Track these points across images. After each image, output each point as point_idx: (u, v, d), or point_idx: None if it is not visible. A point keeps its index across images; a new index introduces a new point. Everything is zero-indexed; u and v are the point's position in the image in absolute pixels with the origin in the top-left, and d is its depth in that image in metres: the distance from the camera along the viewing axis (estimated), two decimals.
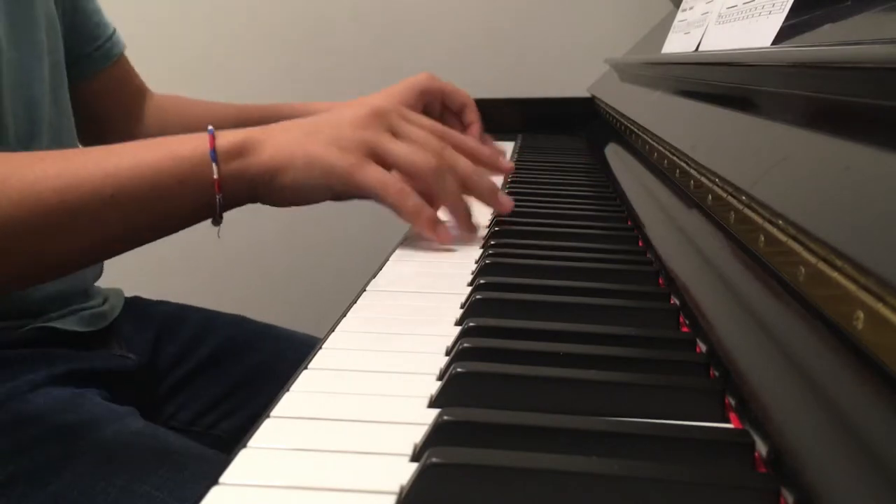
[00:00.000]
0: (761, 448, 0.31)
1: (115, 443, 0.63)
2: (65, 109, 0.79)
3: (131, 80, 0.95)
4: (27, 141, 0.71)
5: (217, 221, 0.60)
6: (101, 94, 0.90)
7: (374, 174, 0.59)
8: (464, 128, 1.01)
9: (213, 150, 0.57)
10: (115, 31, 0.91)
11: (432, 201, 0.64)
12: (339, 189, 0.60)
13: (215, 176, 0.57)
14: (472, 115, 0.99)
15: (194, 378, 0.86)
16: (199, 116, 0.96)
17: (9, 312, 0.71)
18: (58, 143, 0.77)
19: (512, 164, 0.68)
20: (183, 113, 0.97)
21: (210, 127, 0.59)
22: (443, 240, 0.63)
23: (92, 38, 0.88)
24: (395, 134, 0.63)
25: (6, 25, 0.70)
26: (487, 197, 0.66)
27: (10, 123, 0.69)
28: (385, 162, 0.61)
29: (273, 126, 0.61)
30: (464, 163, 0.65)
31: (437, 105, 0.98)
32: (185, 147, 0.57)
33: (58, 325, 0.73)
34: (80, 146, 0.83)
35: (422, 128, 0.65)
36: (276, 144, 0.59)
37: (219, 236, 0.64)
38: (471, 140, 0.68)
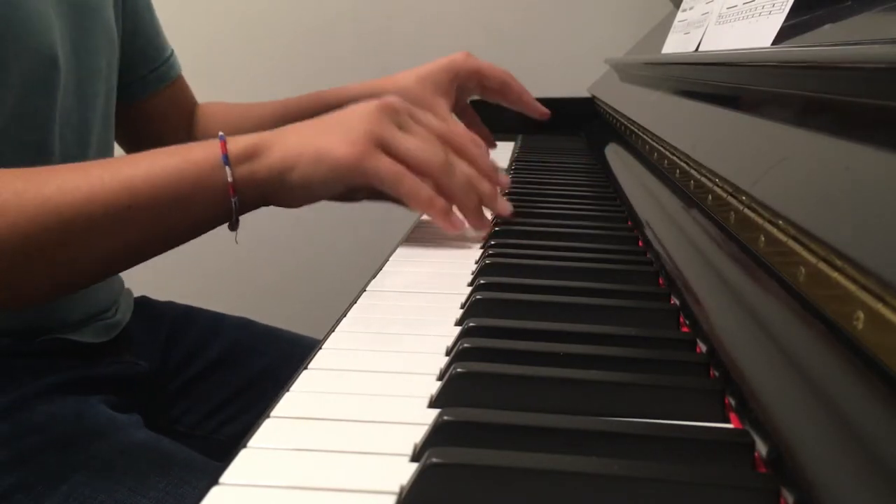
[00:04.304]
0: (761, 448, 0.31)
1: (117, 455, 0.63)
2: (110, 132, 0.79)
3: (185, 98, 0.95)
4: (73, 161, 0.71)
5: (234, 226, 0.61)
6: (153, 113, 0.90)
7: (384, 163, 0.60)
8: (509, 102, 1.00)
9: (226, 154, 0.58)
10: (172, 53, 0.91)
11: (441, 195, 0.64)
12: (349, 180, 0.60)
13: (229, 179, 0.58)
14: (514, 93, 0.98)
15: (200, 382, 0.86)
16: (240, 118, 0.96)
17: (28, 328, 0.70)
18: None
19: (508, 179, 0.69)
20: (225, 117, 0.97)
21: (221, 133, 0.59)
22: (455, 228, 0.63)
23: (149, 61, 0.87)
24: (403, 130, 0.63)
25: (68, 50, 0.69)
26: (488, 199, 0.67)
27: (58, 147, 0.69)
28: (393, 154, 0.61)
29: (284, 128, 0.61)
30: (465, 166, 0.65)
31: (473, 85, 0.97)
32: (198, 153, 0.58)
33: (73, 336, 0.73)
34: None
35: (430, 128, 0.65)
36: (285, 144, 0.60)
37: (237, 241, 0.64)
38: (474, 148, 0.68)
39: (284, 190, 0.60)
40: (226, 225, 0.61)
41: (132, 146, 0.93)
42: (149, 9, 0.88)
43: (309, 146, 0.59)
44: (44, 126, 0.67)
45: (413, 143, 0.62)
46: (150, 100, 0.89)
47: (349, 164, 0.59)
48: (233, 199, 0.58)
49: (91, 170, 0.57)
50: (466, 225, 0.64)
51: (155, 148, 0.92)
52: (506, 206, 0.68)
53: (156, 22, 0.89)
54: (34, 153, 0.67)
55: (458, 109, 1.02)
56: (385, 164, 0.59)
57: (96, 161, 0.59)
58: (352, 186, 0.61)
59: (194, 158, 0.58)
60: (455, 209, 0.64)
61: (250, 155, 0.59)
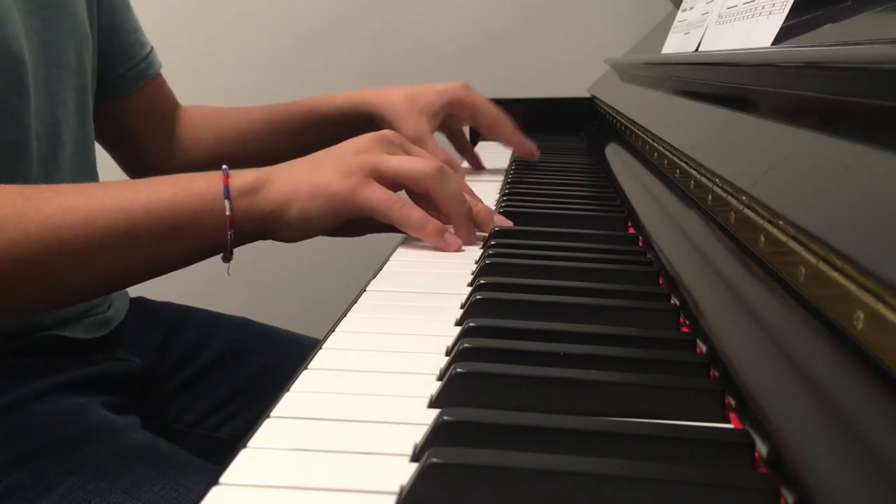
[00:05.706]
0: (761, 448, 0.31)
1: (114, 457, 0.63)
2: (87, 130, 0.79)
3: (165, 97, 0.95)
4: (48, 160, 0.71)
5: (227, 258, 0.61)
6: (133, 113, 0.90)
7: (375, 193, 0.60)
8: (502, 142, 1.01)
9: (227, 187, 0.59)
10: (151, 50, 0.91)
11: (435, 208, 0.64)
12: (345, 213, 0.61)
13: (227, 212, 0.58)
14: (506, 133, 0.98)
15: (198, 380, 0.86)
16: (226, 124, 0.96)
17: (19, 327, 0.71)
18: (78, 163, 0.77)
19: (510, 223, 0.69)
20: (213, 122, 0.97)
21: (224, 167, 0.60)
22: (450, 248, 0.63)
23: (127, 59, 0.87)
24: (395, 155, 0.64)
25: (35, 45, 0.70)
26: (482, 219, 0.67)
27: (34, 143, 0.69)
28: (387, 179, 0.61)
29: (283, 164, 0.62)
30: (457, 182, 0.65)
31: (465, 117, 0.98)
32: (200, 184, 0.59)
33: (65, 332, 0.73)
34: (98, 165, 0.83)
35: (422, 157, 0.66)
36: (283, 180, 0.60)
37: (228, 273, 0.65)
38: (466, 187, 0.69)
39: (283, 224, 0.61)
40: (223, 258, 0.62)
41: (113, 146, 0.93)
42: (125, 6, 0.88)
43: (305, 181, 0.60)
44: (19, 125, 0.67)
45: (402, 159, 0.63)
46: (129, 98, 0.89)
47: (343, 197, 0.60)
48: (228, 232, 0.59)
49: (93, 192, 0.57)
50: (460, 243, 0.64)
51: (138, 149, 0.93)
52: (503, 221, 0.69)
53: (133, 18, 0.89)
54: (12, 153, 0.67)
55: (450, 134, 1.02)
56: (376, 193, 0.60)
57: (99, 183, 0.60)
58: (348, 218, 0.62)
59: (196, 189, 0.58)
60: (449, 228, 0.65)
61: (251, 189, 0.59)
